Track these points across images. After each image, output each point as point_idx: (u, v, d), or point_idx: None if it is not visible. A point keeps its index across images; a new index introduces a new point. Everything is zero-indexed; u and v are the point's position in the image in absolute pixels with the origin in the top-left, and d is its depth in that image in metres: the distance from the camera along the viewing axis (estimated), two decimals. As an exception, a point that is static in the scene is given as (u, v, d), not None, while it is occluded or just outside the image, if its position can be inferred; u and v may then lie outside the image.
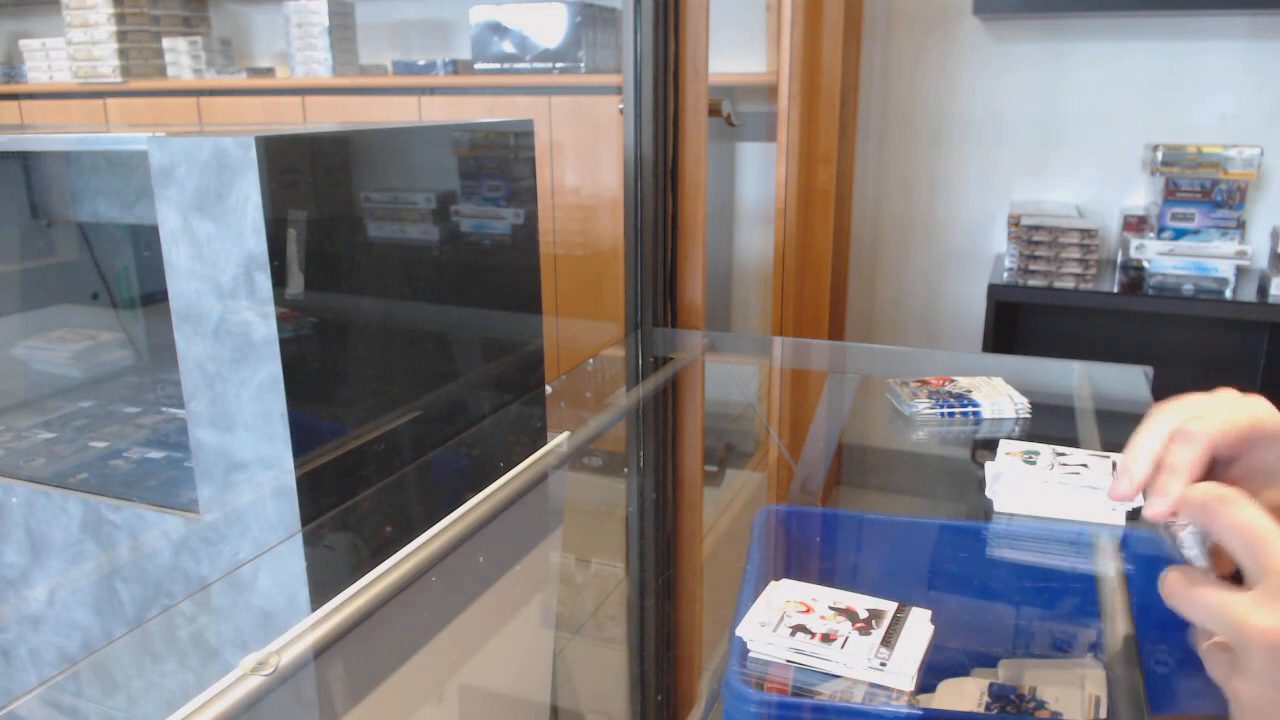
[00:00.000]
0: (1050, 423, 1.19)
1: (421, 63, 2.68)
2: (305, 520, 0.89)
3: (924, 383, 1.24)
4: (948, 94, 2.53)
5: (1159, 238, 2.21)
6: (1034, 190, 2.53)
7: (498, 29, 2.47)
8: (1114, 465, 0.93)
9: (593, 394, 1.41)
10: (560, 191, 2.29)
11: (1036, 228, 2.22)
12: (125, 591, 1.01)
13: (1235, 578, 0.46)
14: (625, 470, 1.20)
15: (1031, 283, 2.24)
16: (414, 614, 0.80)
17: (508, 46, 2.47)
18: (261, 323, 0.85)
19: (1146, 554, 0.81)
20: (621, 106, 1.46)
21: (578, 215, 2.30)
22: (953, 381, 1.24)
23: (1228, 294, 2.12)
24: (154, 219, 0.87)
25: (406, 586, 0.80)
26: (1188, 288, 2.16)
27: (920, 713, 0.59)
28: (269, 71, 3.12)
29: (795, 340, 2.06)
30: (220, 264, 0.85)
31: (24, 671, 1.13)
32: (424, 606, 0.81)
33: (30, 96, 3.16)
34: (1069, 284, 2.21)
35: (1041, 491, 0.89)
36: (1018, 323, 2.54)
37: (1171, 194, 2.20)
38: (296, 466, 0.88)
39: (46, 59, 3.17)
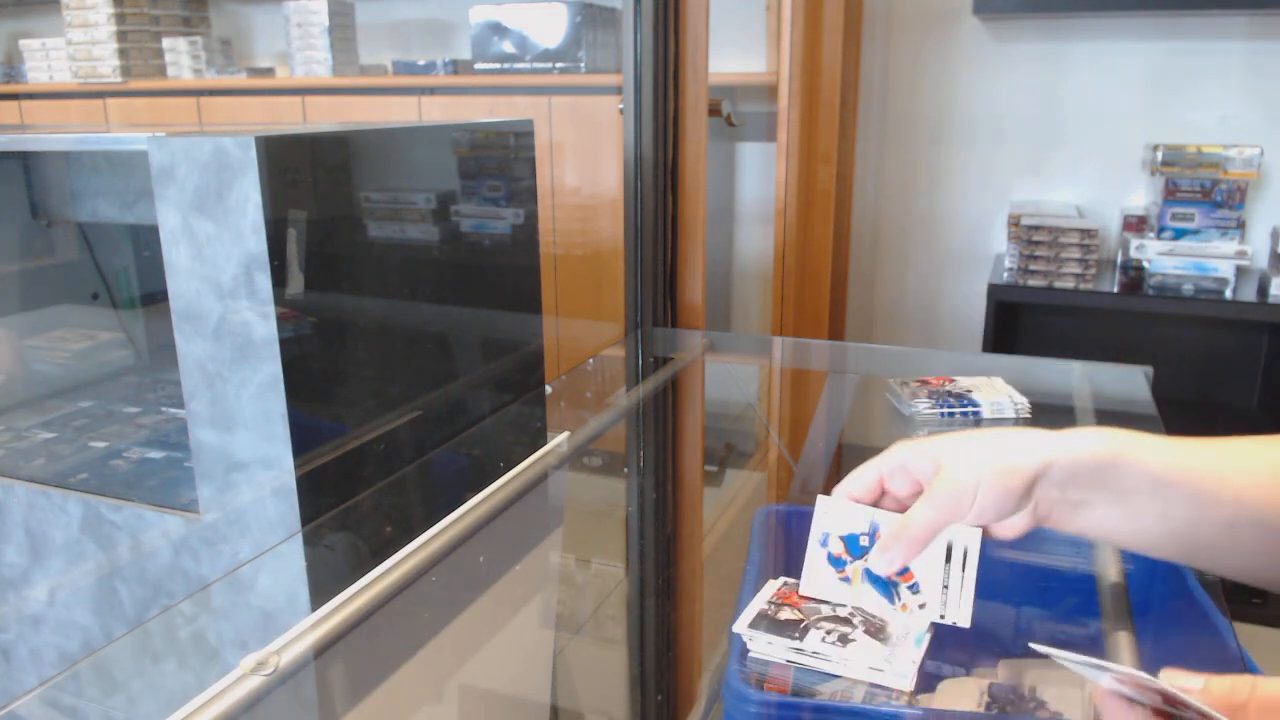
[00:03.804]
0: (1050, 423, 1.18)
1: (421, 63, 2.68)
2: (305, 520, 0.89)
3: (924, 383, 1.24)
4: (947, 94, 2.53)
5: (1159, 238, 2.21)
6: (1034, 190, 2.53)
7: (498, 29, 2.47)
8: None
9: (593, 394, 1.41)
10: (560, 191, 2.29)
11: (1036, 228, 2.22)
12: (125, 591, 1.01)
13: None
14: (625, 470, 1.20)
15: (1031, 283, 2.24)
16: (414, 614, 0.80)
17: (508, 46, 2.47)
18: (261, 323, 0.85)
19: (1146, 554, 0.81)
20: (621, 106, 1.46)
21: (578, 215, 2.30)
22: (953, 381, 1.24)
23: (1228, 294, 2.12)
24: (154, 219, 0.87)
25: (406, 586, 0.80)
26: (1188, 288, 2.16)
27: (920, 713, 0.59)
28: (269, 71, 3.12)
29: (795, 340, 2.06)
30: (220, 264, 0.85)
31: (24, 671, 1.13)
32: (424, 606, 0.81)
33: (30, 96, 3.16)
34: (1069, 284, 2.21)
35: (1041, 491, 0.88)
36: (1018, 323, 2.54)
37: (1171, 194, 2.20)
38: (296, 466, 0.88)
39: (46, 59, 3.17)
